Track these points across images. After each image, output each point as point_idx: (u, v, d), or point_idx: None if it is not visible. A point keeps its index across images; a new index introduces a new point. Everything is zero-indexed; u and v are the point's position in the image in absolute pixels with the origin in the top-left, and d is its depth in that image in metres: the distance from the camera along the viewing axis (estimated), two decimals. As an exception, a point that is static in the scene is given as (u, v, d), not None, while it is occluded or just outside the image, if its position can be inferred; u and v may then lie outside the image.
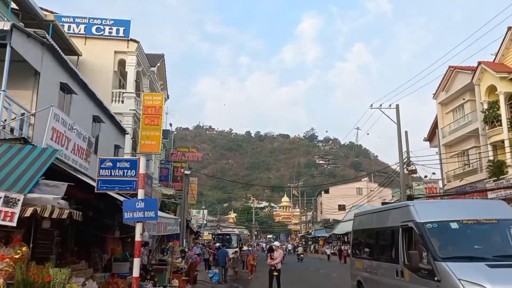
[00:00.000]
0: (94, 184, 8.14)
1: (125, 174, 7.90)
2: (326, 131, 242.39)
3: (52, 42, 11.13)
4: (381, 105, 33.02)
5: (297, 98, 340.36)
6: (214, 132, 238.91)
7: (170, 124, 40.33)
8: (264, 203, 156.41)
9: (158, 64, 29.42)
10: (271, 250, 15.23)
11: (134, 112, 24.09)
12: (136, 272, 7.58)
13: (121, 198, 8.66)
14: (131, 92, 24.32)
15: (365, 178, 76.46)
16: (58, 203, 7.10)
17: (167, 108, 41.11)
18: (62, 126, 10.26)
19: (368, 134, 71.60)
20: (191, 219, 63.13)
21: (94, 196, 10.20)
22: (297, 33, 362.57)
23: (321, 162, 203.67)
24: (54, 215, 7.00)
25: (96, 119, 14.97)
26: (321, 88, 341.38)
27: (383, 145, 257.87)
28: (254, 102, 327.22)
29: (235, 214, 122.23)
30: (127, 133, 19.59)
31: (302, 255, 47.76)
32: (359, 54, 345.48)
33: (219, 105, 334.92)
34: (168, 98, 33.18)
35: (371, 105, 33.10)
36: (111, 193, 8.41)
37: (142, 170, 7.88)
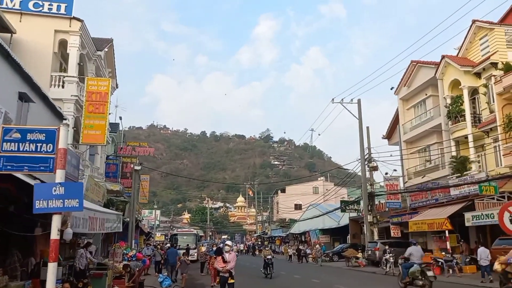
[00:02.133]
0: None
1: (38, 150, 5.84)
2: (284, 132, 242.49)
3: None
4: (342, 99, 32.14)
5: (253, 99, 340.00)
6: (169, 131, 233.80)
7: (120, 118, 37.56)
8: (219, 204, 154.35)
9: (106, 50, 26.79)
10: (219, 252, 11.85)
11: (77, 98, 21.54)
12: (51, 283, 5.54)
13: (33, 182, 6.53)
14: (73, 76, 21.73)
15: (322, 178, 76.11)
16: None
17: (117, 101, 38.42)
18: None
19: (319, 135, 72.15)
20: (142, 219, 60.06)
21: (15, 186, 8.07)
22: (254, 35, 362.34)
23: (276, 162, 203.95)
24: None
25: (23, 97, 12.55)
26: (278, 90, 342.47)
27: (337, 146, 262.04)
28: (211, 102, 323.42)
29: (189, 215, 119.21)
30: (65, 119, 17.12)
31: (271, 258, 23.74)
32: (315, 58, 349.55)
33: (175, 104, 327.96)
34: (117, 87, 30.54)
35: (333, 99, 32.22)
36: (18, 174, 6.28)
37: (62, 144, 5.84)
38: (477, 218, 20.56)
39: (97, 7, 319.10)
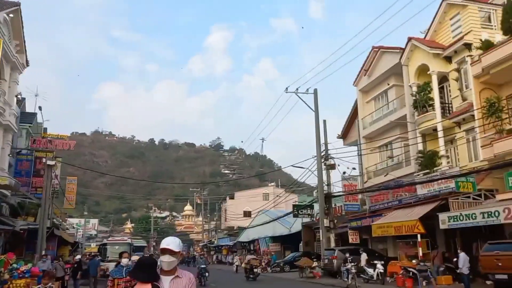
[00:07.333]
0: None
1: None
2: (242, 141, 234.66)
3: None
4: (297, 89, 28.69)
5: (204, 108, 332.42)
6: (115, 138, 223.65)
7: (40, 108, 32.00)
8: (166, 213, 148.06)
9: (11, 15, 21.69)
10: (142, 269, 3.60)
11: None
12: None
13: None
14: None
15: (272, 183, 72.69)
16: None
17: (37, 90, 32.94)
18: None
19: (264, 140, 69.87)
20: (72, 227, 53.82)
21: None
22: (207, 45, 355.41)
23: (226, 171, 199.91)
24: None
25: None
26: (229, 100, 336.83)
27: (287, 157, 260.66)
28: (161, 110, 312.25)
29: (133, 224, 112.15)
30: None
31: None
32: (266, 69, 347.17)
33: (123, 111, 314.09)
34: (27, 65, 25.19)
35: (286, 88, 28.63)
36: None
37: None
38: (455, 220, 17.36)
39: (43, 11, 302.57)
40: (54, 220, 30.91)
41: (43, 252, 22.57)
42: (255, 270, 27.05)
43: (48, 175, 23.88)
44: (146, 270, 3.60)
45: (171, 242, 3.66)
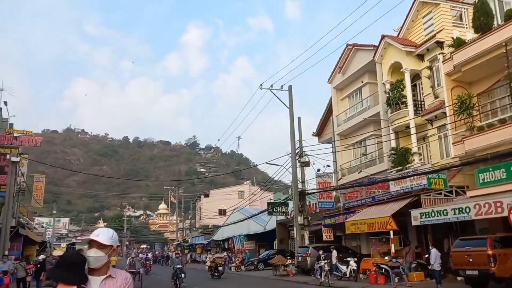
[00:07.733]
0: None
1: None
2: (218, 140, 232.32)
3: None
4: (271, 85, 28.46)
5: (180, 106, 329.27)
6: (87, 136, 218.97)
7: (5, 103, 30.69)
8: (140, 212, 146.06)
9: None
10: (65, 265, 2.89)
11: None
12: None
13: None
14: None
15: (248, 181, 72.43)
16: None
17: (2, 84, 31.71)
18: None
19: (240, 139, 69.73)
20: (40, 226, 52.27)
21: None
22: (183, 42, 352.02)
23: (202, 170, 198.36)
24: None
25: None
26: (206, 98, 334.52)
27: (263, 154, 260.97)
28: (135, 107, 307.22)
29: (105, 223, 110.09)
30: None
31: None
32: (243, 68, 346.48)
33: (96, 109, 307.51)
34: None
35: (261, 85, 28.37)
36: None
37: None
38: (427, 216, 17.41)
39: (12, 6, 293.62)
40: (20, 219, 29.86)
41: (6, 252, 21.71)
42: (220, 268, 27.89)
43: (13, 172, 22.94)
44: (69, 269, 2.85)
45: (101, 233, 3.02)
